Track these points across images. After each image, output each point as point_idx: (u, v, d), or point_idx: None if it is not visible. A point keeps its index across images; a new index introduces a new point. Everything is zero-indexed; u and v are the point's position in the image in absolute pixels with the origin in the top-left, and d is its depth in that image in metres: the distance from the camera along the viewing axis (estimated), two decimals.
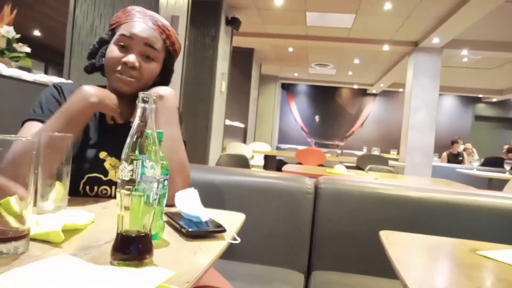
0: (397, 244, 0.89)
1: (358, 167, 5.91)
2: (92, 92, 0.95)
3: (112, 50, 1.03)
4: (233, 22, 5.56)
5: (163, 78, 1.14)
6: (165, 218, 0.79)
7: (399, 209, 1.48)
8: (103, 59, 1.08)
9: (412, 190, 1.53)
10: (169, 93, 1.06)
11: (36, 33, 7.88)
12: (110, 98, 0.98)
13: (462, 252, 0.87)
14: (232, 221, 0.88)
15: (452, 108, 12.18)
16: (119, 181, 0.57)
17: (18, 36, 1.82)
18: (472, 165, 6.81)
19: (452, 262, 0.81)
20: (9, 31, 1.77)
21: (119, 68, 1.02)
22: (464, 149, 8.23)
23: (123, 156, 0.57)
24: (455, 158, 7.84)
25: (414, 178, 4.54)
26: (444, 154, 7.96)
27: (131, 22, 1.05)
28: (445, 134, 10.42)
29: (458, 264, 0.80)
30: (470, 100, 12.12)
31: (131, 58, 1.01)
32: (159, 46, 1.07)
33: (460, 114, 12.17)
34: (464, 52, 6.78)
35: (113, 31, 1.08)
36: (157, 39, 1.06)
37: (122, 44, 1.03)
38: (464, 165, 7.31)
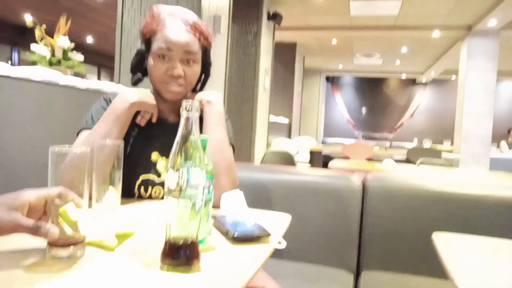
0: (451, 247, 0.84)
1: (408, 161, 5.69)
2: (130, 93, 1.05)
3: (154, 64, 1.05)
4: (275, 17, 5.53)
5: (203, 73, 1.16)
6: (211, 221, 0.80)
7: (452, 206, 1.41)
8: (146, 71, 1.11)
9: (467, 186, 1.45)
10: (216, 97, 1.12)
11: (89, 39, 8.33)
12: (149, 97, 1.08)
13: None
14: (278, 222, 0.88)
15: None
16: (166, 189, 0.59)
17: (72, 45, 1.93)
18: None
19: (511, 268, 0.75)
20: (65, 42, 1.88)
21: (165, 79, 1.05)
22: None
23: (169, 164, 0.59)
24: None
25: (469, 170, 4.29)
26: (502, 143, 7.46)
27: (165, 30, 1.03)
28: (505, 123, 9.72)
29: None
30: None
31: (177, 70, 1.04)
32: (196, 48, 1.07)
33: None
34: None
35: (147, 40, 1.07)
36: (193, 41, 1.06)
37: (163, 55, 1.04)
38: None
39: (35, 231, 0.58)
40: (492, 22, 5.72)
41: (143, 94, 1.07)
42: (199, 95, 1.12)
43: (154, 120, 1.11)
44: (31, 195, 0.61)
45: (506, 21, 5.71)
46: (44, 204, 0.62)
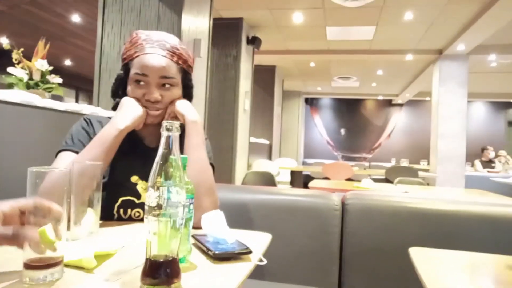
0: (428, 261, 0.87)
1: (387, 180, 5.79)
2: (118, 119, 1.02)
3: (132, 89, 1.06)
4: (254, 41, 5.65)
5: (185, 95, 1.16)
6: (192, 240, 0.80)
7: (431, 223, 1.44)
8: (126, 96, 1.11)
9: (444, 203, 1.49)
10: (199, 118, 1.10)
11: (67, 62, 8.26)
12: (135, 110, 1.03)
13: (500, 269, 0.84)
14: (258, 241, 0.88)
15: (483, 114, 11.79)
16: (146, 207, 0.59)
17: (51, 68, 1.92)
18: (508, 173, 6.53)
19: (489, 281, 0.78)
20: (43, 64, 1.87)
21: (143, 104, 1.06)
22: (497, 156, 7.93)
23: (149, 184, 0.59)
24: (488, 165, 7.58)
25: (446, 189, 4.40)
26: (476, 162, 7.71)
27: (141, 56, 1.04)
28: (477, 142, 10.06)
29: (496, 283, 0.77)
30: (501, 106, 11.69)
31: (153, 95, 1.05)
32: (174, 71, 1.08)
33: (492, 121, 11.75)
34: (492, 57, 6.60)
35: (126, 66, 1.09)
36: (170, 66, 1.06)
37: (139, 80, 1.05)
38: (500, 173, 7.02)
39: (13, 238, 0.56)
40: (460, 46, 6.01)
41: (128, 114, 1.03)
42: (182, 110, 1.08)
43: (148, 121, 1.09)
44: (4, 205, 0.59)
45: (473, 46, 6.01)
46: (19, 215, 0.60)
